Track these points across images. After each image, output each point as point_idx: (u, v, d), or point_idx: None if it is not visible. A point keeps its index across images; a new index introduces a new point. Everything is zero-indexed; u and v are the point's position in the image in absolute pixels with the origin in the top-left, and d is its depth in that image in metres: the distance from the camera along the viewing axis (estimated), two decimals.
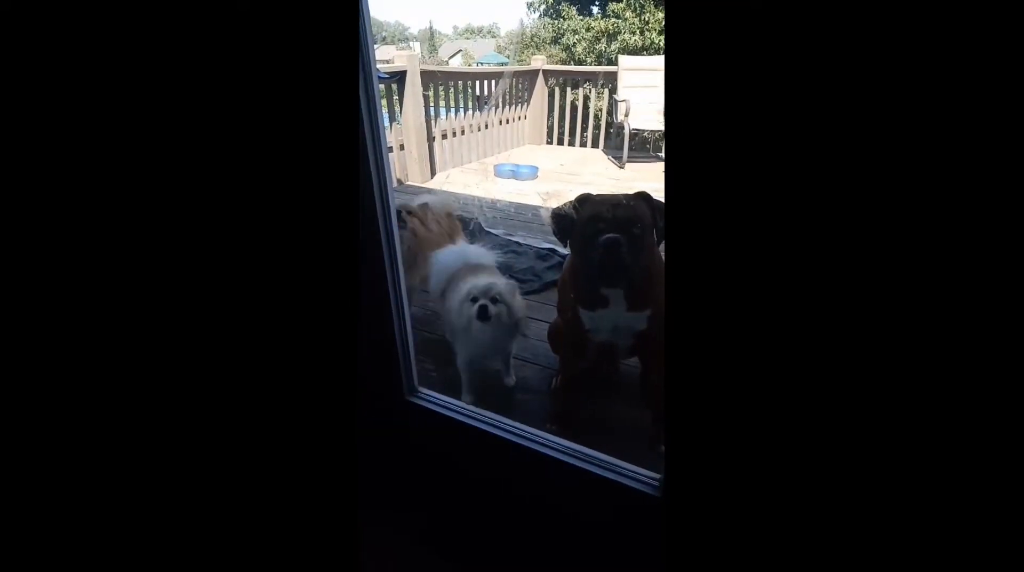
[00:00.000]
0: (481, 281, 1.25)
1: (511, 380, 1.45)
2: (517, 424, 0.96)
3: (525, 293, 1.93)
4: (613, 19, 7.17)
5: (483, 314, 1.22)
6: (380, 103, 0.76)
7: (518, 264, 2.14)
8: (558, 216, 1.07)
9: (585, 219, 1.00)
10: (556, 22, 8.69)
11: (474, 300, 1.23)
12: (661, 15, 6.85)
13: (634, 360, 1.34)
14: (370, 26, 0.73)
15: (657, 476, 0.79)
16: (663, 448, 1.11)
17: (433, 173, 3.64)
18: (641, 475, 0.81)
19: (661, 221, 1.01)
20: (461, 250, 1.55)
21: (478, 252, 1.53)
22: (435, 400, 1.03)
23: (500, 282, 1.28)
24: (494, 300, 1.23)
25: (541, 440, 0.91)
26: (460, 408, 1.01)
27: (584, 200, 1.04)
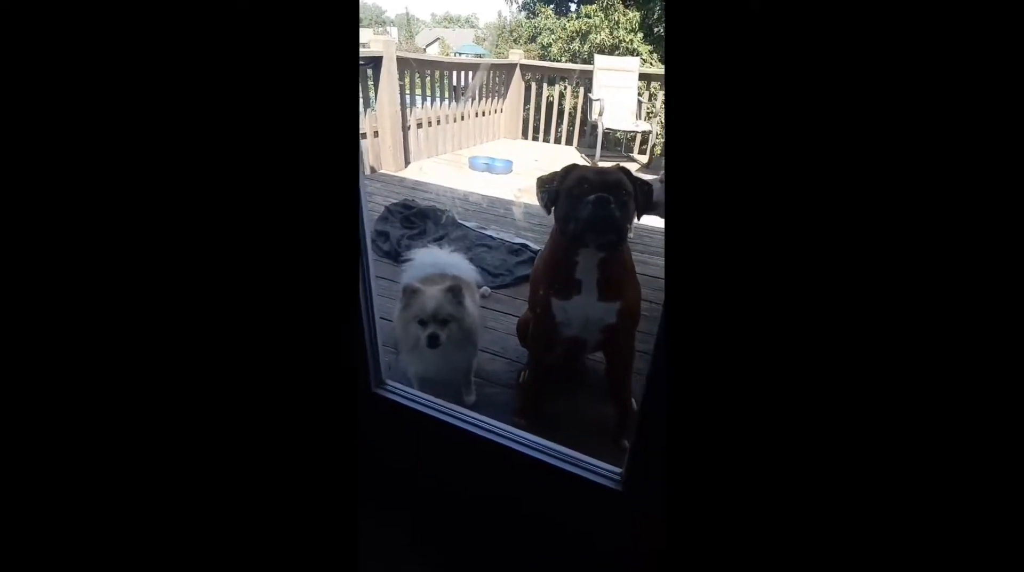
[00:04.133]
0: (429, 301, 1.12)
1: (471, 398, 1.34)
2: (482, 417, 0.96)
3: (496, 287, 1.94)
4: (585, 19, 7.31)
5: (433, 342, 1.11)
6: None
7: (490, 258, 2.14)
8: (544, 181, 1.09)
9: (573, 182, 1.02)
10: (533, 20, 8.72)
11: (422, 323, 1.12)
12: (630, 15, 7.05)
13: (599, 356, 1.37)
14: None
15: (618, 470, 0.81)
16: (626, 443, 1.15)
17: (407, 162, 3.58)
18: (603, 469, 0.83)
19: (640, 196, 1.04)
20: (438, 258, 1.43)
21: (456, 264, 1.41)
22: (401, 392, 1.03)
23: (446, 299, 1.13)
24: (444, 322, 1.12)
25: (506, 434, 0.92)
26: (426, 401, 1.01)
27: (571, 167, 1.07)
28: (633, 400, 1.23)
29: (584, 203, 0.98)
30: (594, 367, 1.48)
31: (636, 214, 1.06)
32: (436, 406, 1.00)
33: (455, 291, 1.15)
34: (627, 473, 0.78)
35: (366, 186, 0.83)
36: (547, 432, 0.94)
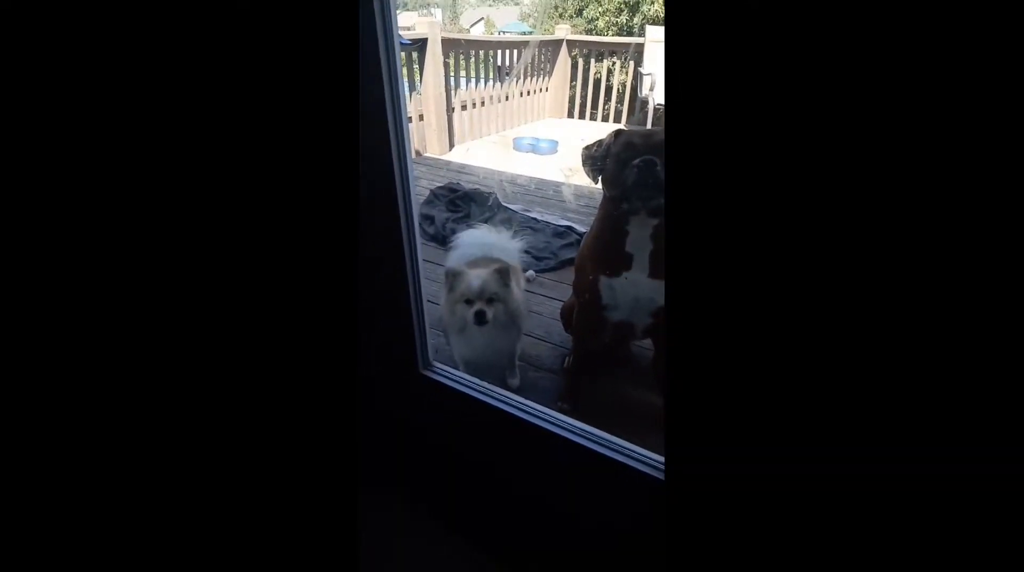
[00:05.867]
0: (475, 280, 1.15)
1: (515, 381, 1.35)
2: (527, 401, 0.96)
3: (540, 270, 1.93)
4: None
5: (480, 319, 1.13)
6: (401, 72, 0.74)
7: (535, 241, 2.12)
8: (590, 148, 1.06)
9: (619, 147, 0.99)
10: None
11: (468, 302, 1.14)
12: None
13: (647, 342, 1.33)
14: None
15: (663, 459, 0.79)
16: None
17: (452, 145, 3.59)
18: (648, 458, 0.81)
19: None
20: (485, 239, 1.43)
21: (503, 245, 1.41)
22: (448, 374, 1.04)
23: (492, 279, 1.15)
24: (490, 300, 1.14)
25: (549, 418, 0.92)
26: (472, 383, 1.02)
27: (617, 132, 1.04)
28: None
29: (631, 167, 0.95)
30: (640, 353, 1.44)
31: None
32: (481, 388, 1.01)
33: (502, 273, 1.15)
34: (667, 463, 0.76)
35: (412, 169, 0.84)
36: (592, 419, 0.93)
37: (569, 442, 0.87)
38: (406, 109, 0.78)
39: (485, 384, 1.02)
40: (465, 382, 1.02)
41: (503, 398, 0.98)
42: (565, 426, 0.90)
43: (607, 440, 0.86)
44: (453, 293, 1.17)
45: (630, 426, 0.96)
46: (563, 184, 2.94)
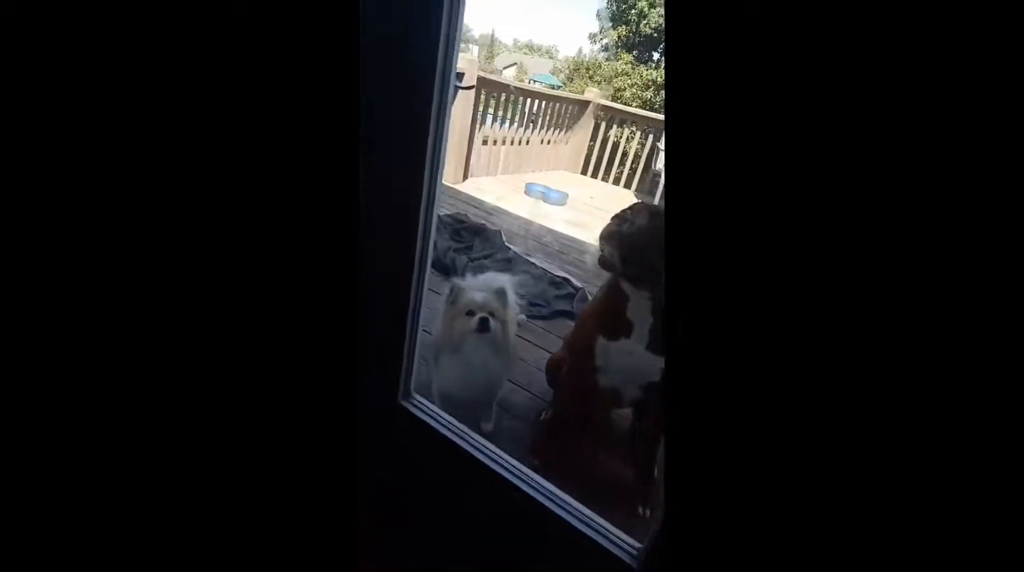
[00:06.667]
0: (478, 294, 1.18)
1: (489, 426, 1.32)
2: (498, 451, 0.94)
3: (532, 317, 1.92)
4: (663, 71, 7.41)
5: (483, 326, 1.14)
6: (449, 109, 0.76)
7: (531, 286, 2.13)
8: (621, 222, 1.04)
9: (644, 218, 1.01)
10: (611, 63, 8.91)
11: (470, 314, 1.15)
12: None
13: (626, 411, 1.32)
14: (460, 34, 0.73)
15: (638, 546, 0.77)
16: (642, 510, 1.09)
17: (466, 176, 3.66)
18: (619, 539, 0.79)
19: None
20: (490, 279, 1.40)
21: (503, 284, 1.37)
22: (426, 408, 1.02)
23: (494, 297, 1.19)
24: (492, 314, 1.16)
25: (520, 474, 0.89)
26: (448, 423, 0.99)
27: (640, 205, 1.05)
28: (656, 469, 1.17)
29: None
30: (617, 421, 1.43)
31: None
32: (456, 429, 0.98)
33: (500, 294, 1.20)
34: (647, 553, 0.74)
35: (439, 196, 0.84)
36: (559, 479, 0.90)
37: (535, 501, 0.84)
38: (445, 148, 0.80)
39: (462, 427, 0.99)
40: (441, 420, 0.99)
41: (474, 441, 0.95)
42: (537, 487, 0.87)
43: (580, 512, 0.83)
44: (454, 306, 1.19)
45: (598, 495, 0.93)
46: (566, 236, 2.99)
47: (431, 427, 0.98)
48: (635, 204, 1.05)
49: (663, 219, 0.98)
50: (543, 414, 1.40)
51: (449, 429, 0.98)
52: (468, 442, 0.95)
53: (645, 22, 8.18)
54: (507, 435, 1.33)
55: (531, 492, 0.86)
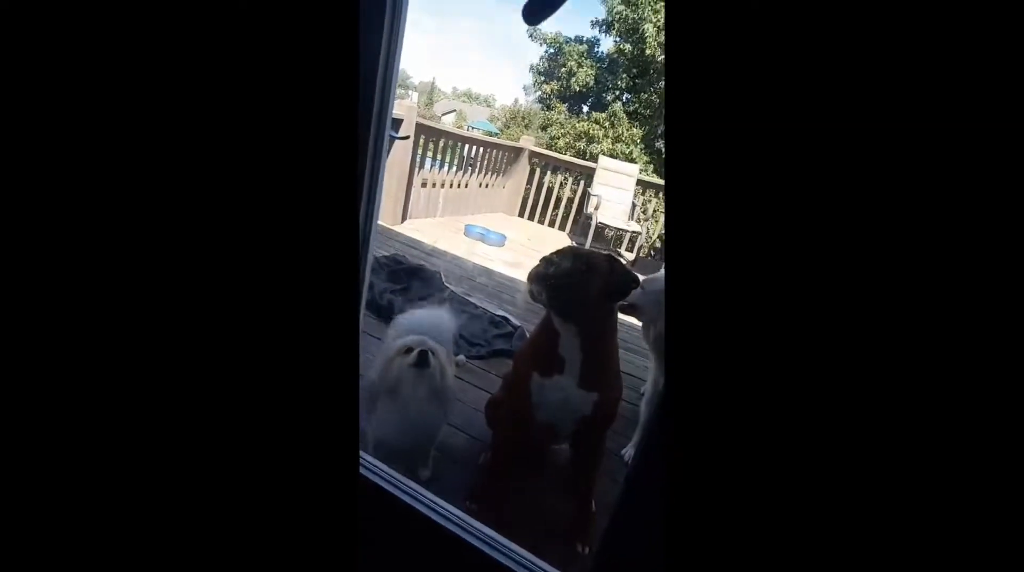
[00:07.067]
0: (413, 337, 1.20)
1: (427, 473, 1.29)
2: (435, 498, 0.91)
3: (471, 357, 1.92)
4: (594, 124, 8.01)
5: (423, 361, 1.13)
6: (385, 158, 0.78)
7: (470, 326, 2.13)
8: (548, 266, 1.09)
9: (570, 261, 1.06)
10: (546, 112, 9.51)
11: (408, 352, 1.15)
12: (633, 130, 7.77)
13: (564, 447, 1.33)
14: (395, 82, 0.76)
15: None
16: (583, 549, 1.09)
17: (404, 217, 3.66)
18: None
19: (614, 278, 1.05)
20: (422, 317, 1.43)
21: (439, 319, 1.42)
22: (361, 459, 0.97)
23: (430, 340, 1.20)
24: (431, 352, 1.16)
25: (459, 521, 0.86)
26: (381, 470, 0.95)
27: (570, 249, 1.11)
28: (593, 502, 1.18)
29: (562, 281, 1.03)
30: (555, 460, 1.43)
31: (606, 294, 1.05)
32: (393, 480, 0.94)
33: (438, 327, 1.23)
34: None
35: (374, 237, 0.85)
36: (500, 522, 0.88)
37: (479, 552, 0.82)
38: (381, 198, 0.81)
39: (394, 473, 0.95)
40: (377, 470, 0.95)
41: (413, 492, 0.92)
42: (474, 532, 0.85)
43: (522, 556, 0.82)
44: (390, 348, 1.18)
45: (538, 534, 0.92)
46: (505, 275, 3.05)
47: (369, 480, 0.93)
48: (562, 248, 1.11)
49: (586, 262, 1.05)
50: (481, 457, 1.37)
51: (386, 480, 0.94)
52: (405, 491, 0.92)
53: (574, 79, 8.83)
54: (447, 481, 1.28)
55: (471, 540, 0.83)
